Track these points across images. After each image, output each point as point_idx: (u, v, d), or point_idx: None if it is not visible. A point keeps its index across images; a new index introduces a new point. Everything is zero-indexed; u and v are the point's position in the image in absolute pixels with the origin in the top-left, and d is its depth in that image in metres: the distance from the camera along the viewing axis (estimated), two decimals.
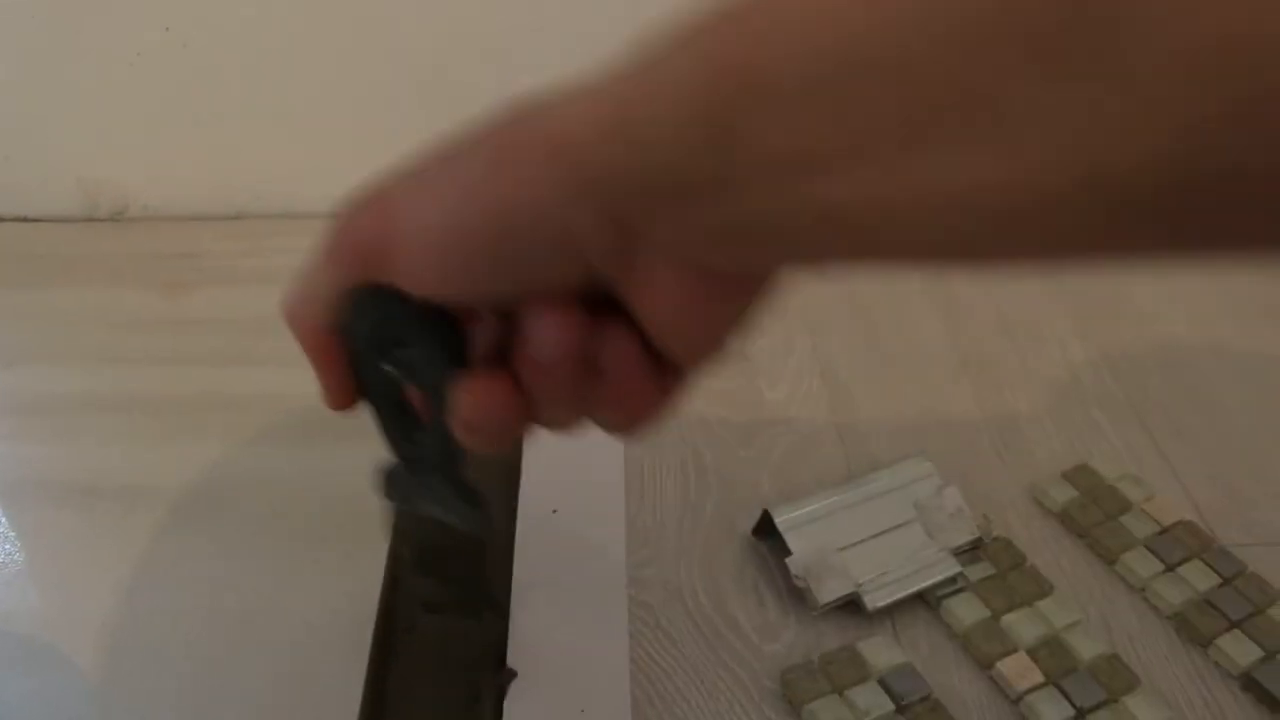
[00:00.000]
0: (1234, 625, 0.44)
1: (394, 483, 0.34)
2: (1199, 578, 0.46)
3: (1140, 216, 0.17)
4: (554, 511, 0.49)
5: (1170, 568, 0.47)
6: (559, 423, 0.29)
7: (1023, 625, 0.44)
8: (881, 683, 0.41)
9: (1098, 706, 0.41)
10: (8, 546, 0.48)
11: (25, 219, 0.74)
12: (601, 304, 0.26)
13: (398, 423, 0.32)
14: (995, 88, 0.17)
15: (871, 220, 0.20)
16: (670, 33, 0.22)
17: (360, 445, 0.33)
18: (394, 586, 0.45)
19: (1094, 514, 0.49)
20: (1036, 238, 0.19)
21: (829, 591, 0.44)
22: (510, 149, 0.24)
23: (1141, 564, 0.47)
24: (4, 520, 0.49)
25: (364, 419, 0.32)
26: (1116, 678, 0.42)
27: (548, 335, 0.26)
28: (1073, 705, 0.41)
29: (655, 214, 0.23)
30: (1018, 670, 0.42)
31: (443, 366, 0.28)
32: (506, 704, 0.40)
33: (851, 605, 0.44)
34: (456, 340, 0.28)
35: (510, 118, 0.25)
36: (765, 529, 0.47)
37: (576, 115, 0.23)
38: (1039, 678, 0.42)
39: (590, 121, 0.22)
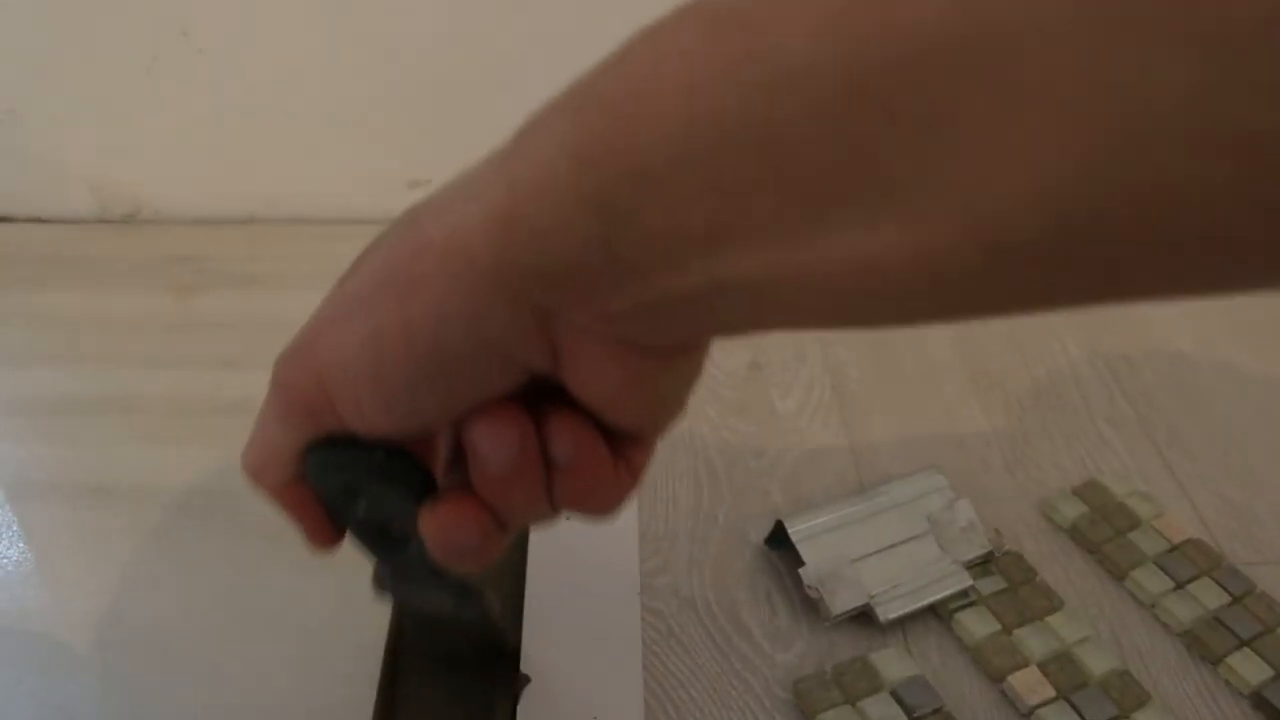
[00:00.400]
0: (1244, 644, 0.44)
1: (387, 583, 0.35)
2: (1209, 595, 0.46)
3: (1029, 267, 0.18)
4: (566, 518, 0.49)
5: (1180, 585, 0.47)
6: (534, 521, 0.28)
7: (1033, 639, 0.44)
8: (894, 694, 0.41)
9: None
10: (21, 545, 0.48)
11: (38, 220, 0.74)
12: (545, 395, 0.25)
13: (380, 546, 0.32)
14: (875, 161, 0.17)
15: (786, 294, 0.20)
16: (542, 117, 0.21)
17: None
18: None
19: (1104, 530, 0.49)
20: (945, 296, 0.19)
21: (842, 602, 0.44)
22: (407, 272, 0.23)
23: (1151, 581, 0.47)
24: (16, 520, 0.49)
25: None
26: (1127, 693, 0.42)
27: (492, 448, 0.25)
28: None
29: (568, 301, 0.22)
30: (1029, 684, 0.42)
31: (412, 504, 0.28)
32: (520, 710, 0.40)
33: (863, 616, 0.45)
34: (418, 475, 0.28)
35: (403, 229, 0.24)
36: (778, 539, 0.47)
37: (467, 218, 0.22)
38: (1050, 692, 0.42)
39: (481, 222, 0.22)
